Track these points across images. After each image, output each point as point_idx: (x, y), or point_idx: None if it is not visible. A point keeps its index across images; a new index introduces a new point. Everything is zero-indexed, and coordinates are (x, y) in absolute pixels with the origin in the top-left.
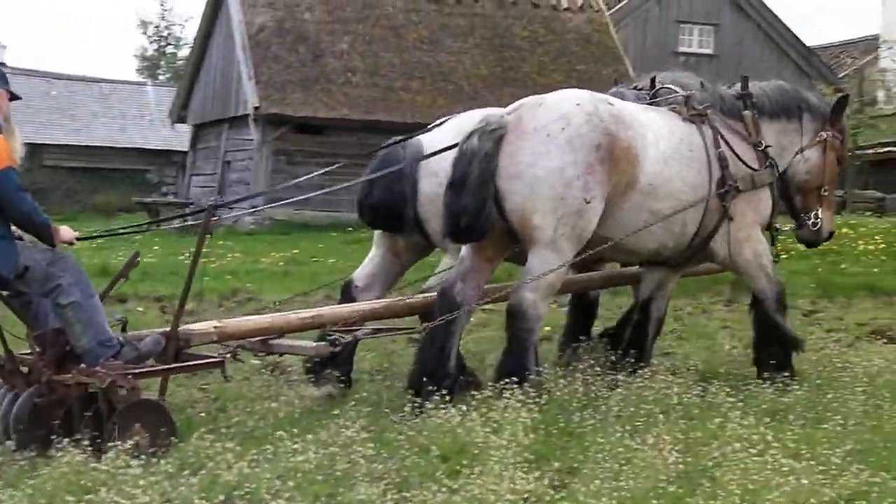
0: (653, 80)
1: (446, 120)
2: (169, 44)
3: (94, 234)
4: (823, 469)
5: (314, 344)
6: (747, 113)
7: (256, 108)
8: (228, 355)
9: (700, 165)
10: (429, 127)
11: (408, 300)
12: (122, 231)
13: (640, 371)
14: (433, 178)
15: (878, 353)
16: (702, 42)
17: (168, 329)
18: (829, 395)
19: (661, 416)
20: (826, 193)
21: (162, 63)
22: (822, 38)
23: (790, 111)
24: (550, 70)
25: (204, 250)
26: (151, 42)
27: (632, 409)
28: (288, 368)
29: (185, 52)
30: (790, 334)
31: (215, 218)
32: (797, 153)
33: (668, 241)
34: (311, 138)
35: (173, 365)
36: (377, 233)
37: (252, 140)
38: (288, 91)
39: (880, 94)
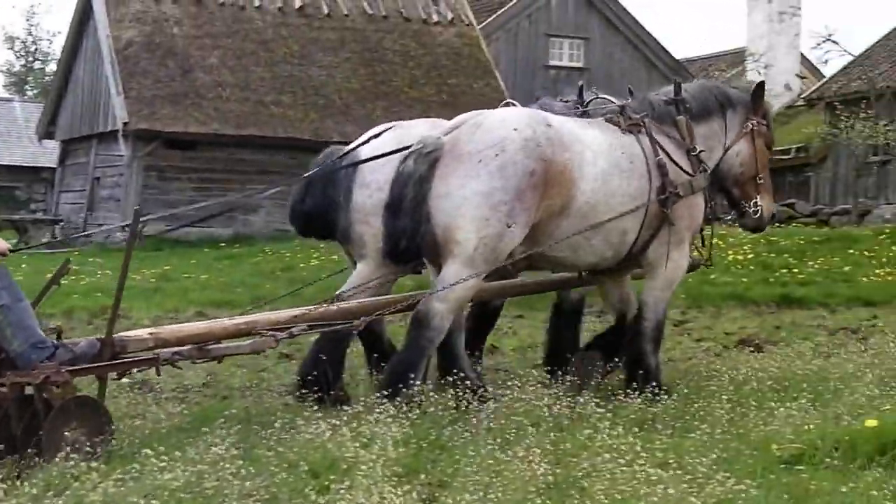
0: (580, 91)
1: (386, 129)
2: (36, 59)
3: (23, 248)
4: (690, 478)
5: (250, 341)
6: (681, 118)
7: (126, 124)
8: (161, 361)
9: (640, 176)
10: (367, 136)
11: (341, 305)
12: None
13: (510, 383)
14: (364, 190)
15: (746, 362)
16: (572, 55)
17: (103, 336)
18: (697, 405)
19: (531, 428)
20: (762, 181)
21: (29, 79)
22: (691, 51)
23: (714, 110)
24: (422, 84)
25: (74, 267)
26: (18, 57)
27: (503, 421)
28: (156, 386)
29: (52, 67)
30: (648, 350)
31: (142, 225)
32: (725, 150)
33: (607, 252)
34: (181, 154)
35: (107, 363)
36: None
37: (122, 156)
38: (157, 106)
39: None
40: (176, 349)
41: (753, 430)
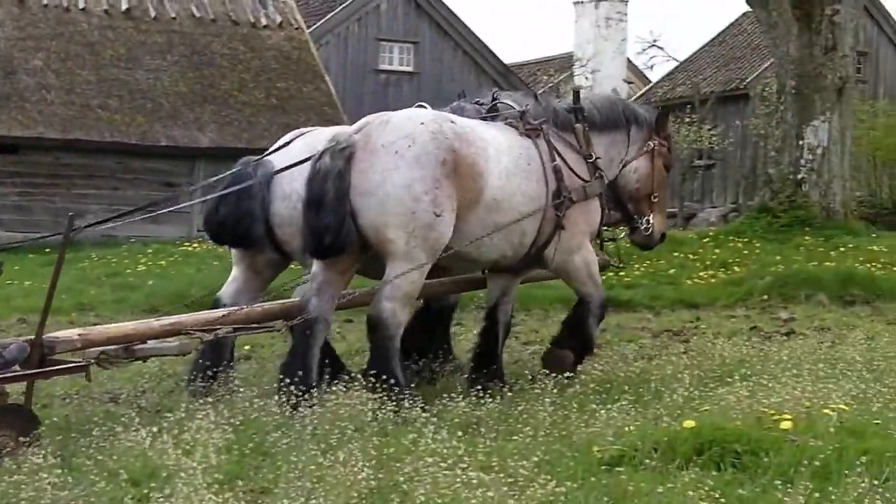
0: (493, 95)
1: (294, 139)
2: None
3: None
4: (512, 481)
5: (177, 343)
6: (579, 126)
7: None
8: (93, 361)
9: (538, 178)
10: (275, 147)
11: (264, 306)
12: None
13: (335, 388)
14: (286, 202)
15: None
16: (402, 59)
17: (32, 337)
18: (521, 407)
19: (355, 433)
20: (656, 199)
21: None
22: (520, 56)
23: (618, 123)
24: (251, 88)
25: None
26: None
27: (327, 426)
28: None
29: None
30: (592, 340)
31: (75, 230)
32: (624, 163)
33: (507, 250)
34: (4, 158)
35: (39, 370)
36: (235, 252)
37: None
38: None
39: None
40: (103, 349)
41: (575, 432)
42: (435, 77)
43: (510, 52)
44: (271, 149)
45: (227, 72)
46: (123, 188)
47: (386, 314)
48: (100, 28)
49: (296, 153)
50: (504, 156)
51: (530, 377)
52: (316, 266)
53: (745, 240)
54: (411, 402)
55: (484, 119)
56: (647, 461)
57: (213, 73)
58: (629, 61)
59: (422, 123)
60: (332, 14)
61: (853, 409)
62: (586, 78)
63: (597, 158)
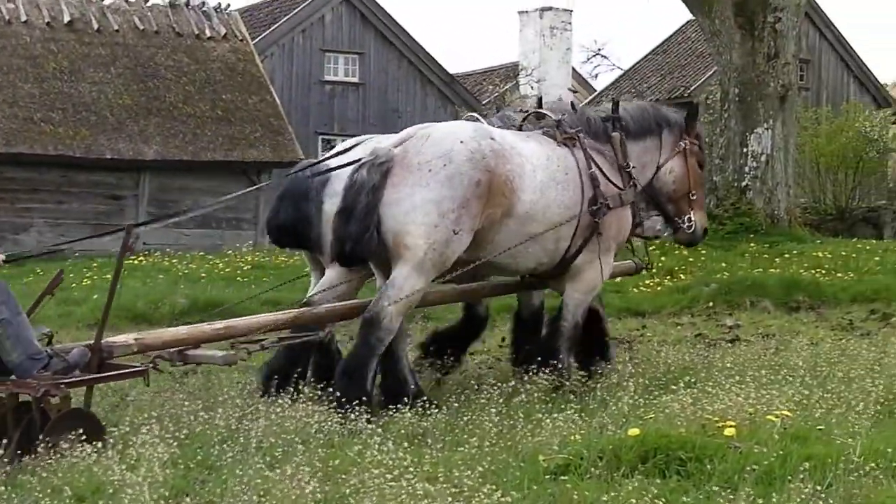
0: (539, 102)
1: (356, 143)
2: None
3: (17, 257)
4: (457, 491)
5: (223, 353)
6: (616, 135)
7: None
8: (150, 365)
9: (574, 187)
10: (335, 150)
11: (314, 311)
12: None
13: (280, 401)
14: (335, 199)
15: (515, 374)
16: (347, 70)
17: (91, 342)
18: (467, 417)
19: (301, 445)
20: (695, 197)
21: None
22: (465, 66)
23: (651, 129)
24: (196, 99)
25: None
26: None
27: (272, 439)
28: None
29: None
30: (563, 349)
31: (134, 239)
32: (658, 168)
33: (543, 258)
34: None
35: (102, 374)
36: (307, 258)
37: None
38: None
39: None
40: (158, 353)
41: (521, 441)
42: (380, 87)
43: (455, 61)
44: (328, 154)
45: (172, 84)
46: (68, 201)
47: (384, 315)
48: (42, 41)
49: (356, 156)
50: (540, 171)
51: (476, 387)
52: (378, 278)
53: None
54: (358, 413)
55: (521, 129)
56: (593, 469)
57: (157, 86)
58: (574, 70)
59: (461, 142)
60: (276, 25)
61: (796, 415)
62: (531, 87)
63: (632, 167)
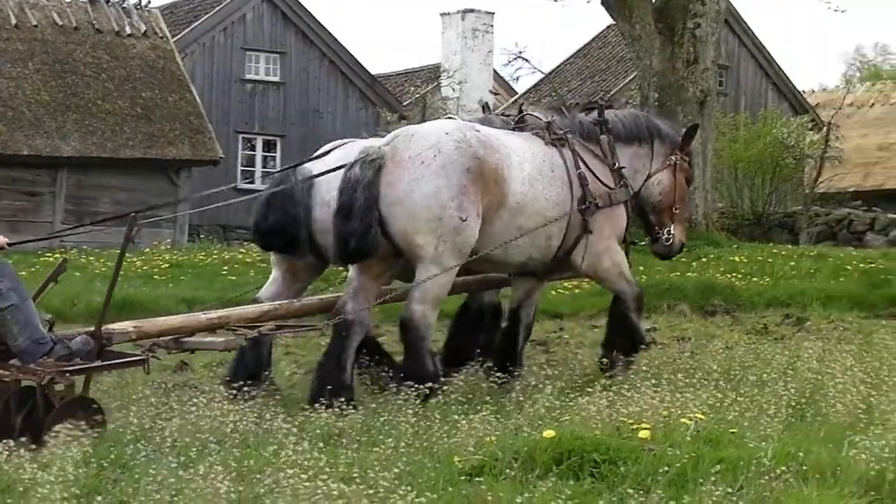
0: (521, 108)
1: (330, 150)
2: None
3: (22, 241)
4: (372, 492)
5: (223, 339)
6: (604, 137)
7: None
8: (149, 353)
9: (562, 184)
10: (314, 156)
11: (304, 301)
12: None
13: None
14: (326, 208)
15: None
16: (268, 69)
17: (92, 329)
18: (384, 418)
19: (215, 445)
20: (677, 211)
21: None
22: (387, 67)
23: (642, 137)
24: (115, 96)
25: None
26: None
27: (187, 438)
28: None
29: None
30: (639, 330)
31: (137, 228)
32: (648, 175)
33: (534, 253)
34: None
35: (104, 363)
36: (275, 256)
37: None
38: None
39: None
40: (154, 340)
41: (437, 442)
42: (301, 87)
43: (377, 62)
44: (307, 159)
45: (91, 80)
46: None
47: (417, 316)
48: None
49: (333, 163)
50: (527, 163)
51: (394, 388)
52: (351, 271)
53: None
54: (273, 413)
55: (512, 130)
56: (508, 471)
57: (76, 82)
58: (496, 72)
59: (446, 133)
60: (197, 23)
61: (710, 418)
62: (453, 89)
63: (621, 168)
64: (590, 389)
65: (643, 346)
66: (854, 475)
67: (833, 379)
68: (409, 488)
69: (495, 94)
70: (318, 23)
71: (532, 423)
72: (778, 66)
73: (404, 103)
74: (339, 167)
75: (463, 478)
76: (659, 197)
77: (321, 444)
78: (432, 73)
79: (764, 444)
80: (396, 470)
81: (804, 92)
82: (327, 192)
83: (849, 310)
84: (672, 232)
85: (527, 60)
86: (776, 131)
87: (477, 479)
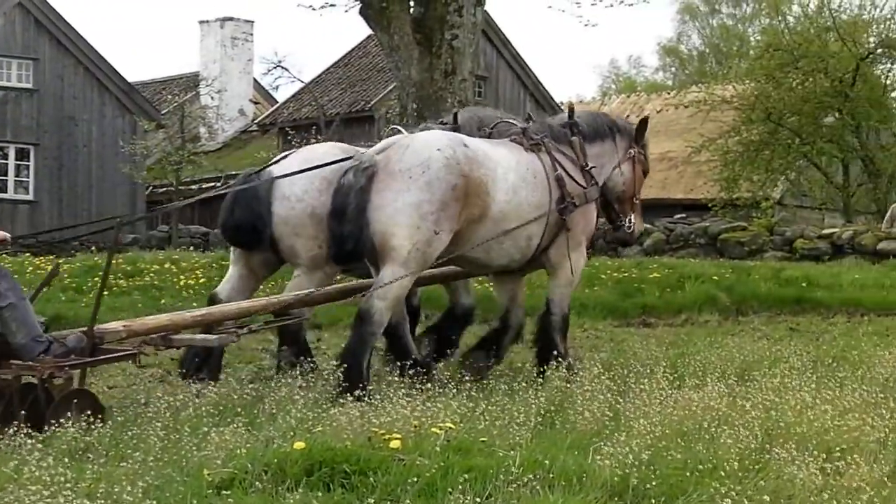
0: (455, 116)
1: (288, 154)
2: None
3: (21, 236)
4: None
5: (216, 336)
6: (575, 139)
7: None
8: (138, 350)
9: (542, 188)
10: (275, 160)
11: (282, 298)
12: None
13: None
14: (286, 202)
15: (183, 388)
16: (21, 76)
17: (85, 328)
18: (132, 431)
19: None
20: (637, 201)
21: None
22: (145, 74)
23: (604, 133)
24: None
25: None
26: None
27: None
28: None
29: None
30: (558, 339)
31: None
32: (615, 168)
33: (515, 254)
34: None
35: (98, 358)
36: (234, 254)
37: None
38: None
39: (202, 130)
40: (144, 338)
41: (187, 456)
42: (56, 94)
43: (135, 70)
44: (269, 163)
45: None
46: None
47: (375, 310)
48: None
49: (293, 164)
50: (511, 173)
51: (143, 401)
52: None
53: None
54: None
55: (490, 136)
56: (258, 483)
57: None
58: (256, 81)
59: (438, 150)
60: None
61: (461, 427)
62: (212, 97)
63: (592, 167)
64: (342, 400)
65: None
66: (599, 481)
67: (581, 387)
68: (156, 502)
69: (255, 102)
70: (73, 29)
71: (284, 435)
72: (536, 77)
73: (162, 111)
74: (306, 169)
75: (211, 491)
76: (622, 187)
77: (66, 460)
78: (191, 81)
79: (513, 452)
80: (143, 484)
81: (561, 103)
82: (287, 188)
83: (602, 318)
84: (633, 220)
85: (286, 70)
86: None
87: (225, 492)
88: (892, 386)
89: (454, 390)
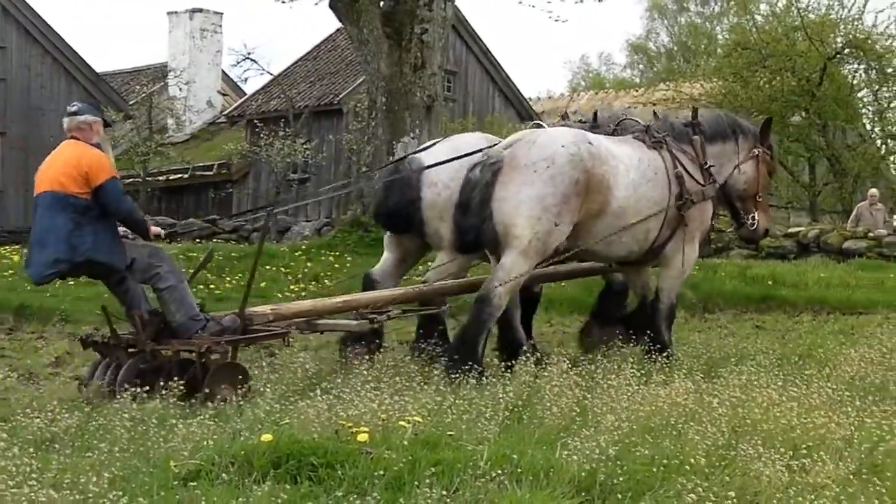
0: (595, 115)
1: (436, 142)
2: None
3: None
4: (82, 498)
5: (357, 322)
6: (696, 138)
7: None
8: (287, 331)
9: (662, 185)
10: (422, 147)
11: (422, 288)
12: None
13: None
14: (433, 188)
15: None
16: None
17: (237, 310)
18: (98, 422)
19: None
20: (760, 199)
21: None
22: (113, 65)
23: (726, 134)
24: None
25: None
26: None
27: None
28: None
29: None
30: (663, 327)
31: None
32: (735, 168)
33: (634, 247)
34: None
35: (250, 335)
36: (387, 239)
37: None
38: None
39: (170, 122)
40: (290, 321)
41: (153, 447)
42: (23, 84)
43: (103, 60)
44: (416, 150)
45: None
46: None
47: (494, 294)
48: None
49: (440, 150)
50: (633, 171)
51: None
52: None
53: (337, 253)
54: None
55: (614, 133)
56: (224, 475)
57: None
58: (224, 73)
59: (563, 146)
60: None
61: (428, 421)
62: (180, 89)
63: (711, 166)
64: (311, 393)
65: (666, 353)
66: (566, 476)
67: (550, 382)
68: (122, 493)
69: (224, 94)
70: (41, 18)
71: (251, 427)
72: (505, 72)
73: (130, 102)
74: (452, 159)
75: (177, 483)
76: (744, 186)
77: (32, 450)
78: (159, 72)
79: (480, 446)
80: (109, 475)
81: (530, 99)
82: (435, 174)
83: (570, 314)
84: (756, 218)
85: (255, 62)
86: (502, 137)
87: (192, 483)
88: (857, 384)
89: (422, 384)
